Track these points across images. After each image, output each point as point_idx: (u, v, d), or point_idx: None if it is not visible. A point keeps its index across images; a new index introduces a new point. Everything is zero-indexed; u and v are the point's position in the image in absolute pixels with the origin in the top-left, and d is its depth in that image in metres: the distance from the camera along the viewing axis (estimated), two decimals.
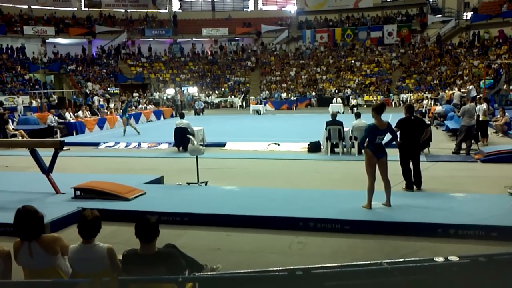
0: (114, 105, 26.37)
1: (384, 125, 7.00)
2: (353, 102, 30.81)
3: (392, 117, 18.19)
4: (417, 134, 8.40)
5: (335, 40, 44.25)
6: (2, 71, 34.94)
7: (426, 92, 33.09)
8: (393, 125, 7.59)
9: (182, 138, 13.80)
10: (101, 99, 31.36)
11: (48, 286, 3.57)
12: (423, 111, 19.58)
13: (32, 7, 43.31)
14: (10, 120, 18.85)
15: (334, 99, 30.70)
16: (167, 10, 49.15)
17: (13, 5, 42.29)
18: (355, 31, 43.92)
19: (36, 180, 8.74)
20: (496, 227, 5.94)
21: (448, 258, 3.00)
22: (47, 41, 42.37)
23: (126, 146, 16.04)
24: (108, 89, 37.55)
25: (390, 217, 6.56)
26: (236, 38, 48.10)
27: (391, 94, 35.64)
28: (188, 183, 9.18)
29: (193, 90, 38.39)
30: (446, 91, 28.16)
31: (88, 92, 35.09)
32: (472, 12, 40.25)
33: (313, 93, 37.83)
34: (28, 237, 3.75)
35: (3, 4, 41.56)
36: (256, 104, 32.41)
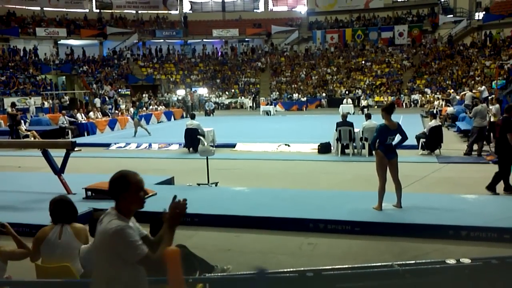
0: (125, 106, 26.51)
1: (394, 125, 6.97)
2: (363, 103, 30.69)
3: (403, 118, 18.15)
4: None
5: (346, 40, 44.12)
6: (15, 73, 35.30)
7: (437, 93, 32.86)
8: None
9: (192, 139, 13.85)
10: (98, 102, 31.26)
11: (60, 286, 3.60)
12: (435, 111, 19.41)
13: (44, 9, 43.76)
14: (22, 121, 19.05)
15: (345, 100, 30.60)
16: (177, 11, 49.34)
17: (26, 7, 42.77)
18: (365, 32, 43.76)
19: (48, 180, 8.81)
20: (508, 229, 5.89)
21: (460, 260, 2.98)
22: (59, 42, 42.76)
23: (137, 147, 16.12)
24: (119, 90, 37.77)
25: (401, 219, 6.53)
26: (246, 39, 48.15)
27: (401, 95, 35.45)
28: (199, 184, 9.21)
29: (203, 91, 38.50)
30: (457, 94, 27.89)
31: (102, 93, 35.34)
32: (484, 12, 39.90)
33: (323, 94, 37.74)
34: (62, 220, 4.03)
35: (17, 7, 42.03)
36: (266, 105, 32.41)
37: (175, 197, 2.60)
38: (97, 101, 31.05)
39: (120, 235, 2.45)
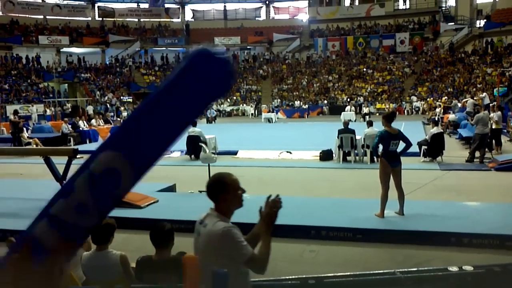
0: (127, 114, 26.57)
1: (395, 130, 6.99)
2: (365, 110, 30.72)
3: (404, 125, 18.13)
4: None
5: (347, 48, 44.23)
6: (18, 80, 35.46)
7: (439, 100, 32.91)
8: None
9: (194, 146, 13.86)
10: (91, 109, 31.24)
11: None
12: (436, 119, 19.39)
13: (47, 17, 44.03)
14: (25, 128, 19.09)
15: (348, 107, 30.65)
16: (179, 20, 49.57)
17: (29, 16, 43.03)
18: (367, 39, 43.88)
19: (50, 188, 8.80)
20: (511, 237, 5.87)
21: (463, 267, 2.97)
22: (61, 50, 42.96)
23: None
24: (122, 97, 37.90)
25: (403, 226, 6.51)
26: (248, 47, 48.32)
27: (403, 102, 35.48)
28: (200, 191, 9.19)
29: None
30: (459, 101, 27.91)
31: (104, 101, 35.47)
32: (485, 20, 39.99)
33: (325, 101, 37.79)
34: None
35: (20, 15, 42.31)
36: (268, 112, 32.44)
37: (269, 196, 2.68)
38: (90, 108, 31.12)
39: (228, 236, 2.51)
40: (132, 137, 1.62)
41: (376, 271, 3.21)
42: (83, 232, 1.74)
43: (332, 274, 3.16)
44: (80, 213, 1.63)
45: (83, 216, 1.64)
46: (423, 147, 12.96)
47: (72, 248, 1.78)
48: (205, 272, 2.61)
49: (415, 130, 17.92)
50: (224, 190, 2.65)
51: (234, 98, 40.74)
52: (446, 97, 32.13)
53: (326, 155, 13.58)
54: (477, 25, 41.48)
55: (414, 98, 35.27)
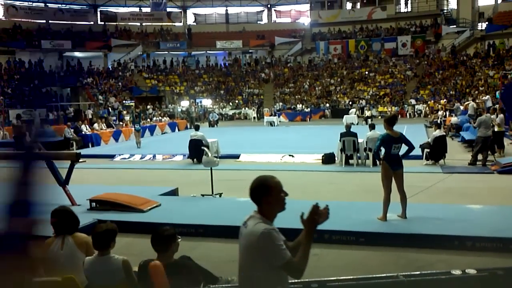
0: (130, 118, 26.60)
1: (396, 133, 6.99)
2: (367, 113, 30.71)
3: (407, 128, 18.13)
4: None
5: (349, 51, 44.25)
6: (21, 85, 35.52)
7: (439, 102, 32.90)
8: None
9: (196, 150, 13.87)
10: (90, 114, 31.30)
11: None
12: (438, 121, 19.40)
13: (49, 21, 44.14)
14: (27, 133, 19.11)
15: (352, 110, 30.63)
16: (181, 23, 49.69)
17: (32, 20, 43.18)
18: (368, 43, 43.91)
19: (52, 192, 8.81)
20: None
21: (466, 271, 2.96)
22: (64, 54, 43.08)
23: (141, 158, 16.16)
24: (124, 101, 37.95)
25: (405, 229, 6.50)
26: (250, 51, 48.38)
27: (405, 105, 35.45)
28: (203, 195, 9.21)
29: (207, 102, 38.67)
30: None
31: (108, 105, 35.52)
32: (487, 23, 39.97)
33: (327, 105, 37.79)
34: (63, 231, 4.02)
35: (22, 20, 42.47)
36: (270, 115, 32.47)
37: (316, 204, 2.73)
38: (89, 112, 31.19)
39: (267, 238, 2.53)
40: None
41: (379, 275, 3.20)
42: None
43: (335, 278, 3.15)
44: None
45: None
46: (426, 150, 12.95)
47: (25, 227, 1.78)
48: (242, 273, 2.63)
49: (417, 133, 17.92)
50: (267, 193, 2.68)
51: (236, 101, 40.78)
52: (445, 100, 32.25)
53: (328, 159, 13.58)
54: (479, 28, 41.47)
55: (412, 101, 35.33)
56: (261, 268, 2.52)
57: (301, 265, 2.53)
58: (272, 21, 50.45)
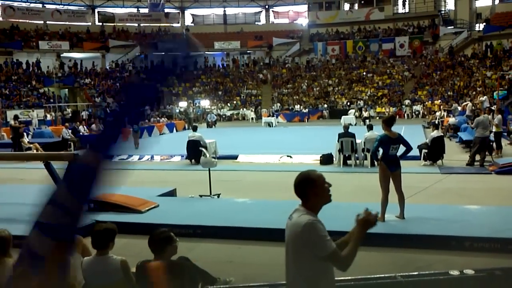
0: None
1: (395, 134, 6.99)
2: (365, 114, 30.75)
3: (404, 129, 18.14)
4: None
5: (347, 52, 44.33)
6: (18, 85, 35.48)
7: (435, 103, 32.97)
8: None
9: (194, 150, 13.86)
10: (85, 115, 31.30)
11: None
12: (436, 122, 19.42)
13: (47, 22, 44.13)
14: (25, 134, 19.08)
15: (351, 111, 30.66)
16: (179, 24, 49.70)
17: (29, 21, 43.15)
18: (366, 43, 43.99)
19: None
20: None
21: (464, 271, 2.97)
22: (61, 55, 43.03)
23: (139, 159, 16.13)
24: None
25: (403, 230, 6.50)
26: (248, 51, 48.39)
27: (403, 106, 35.50)
28: (201, 196, 9.20)
29: (205, 102, 38.66)
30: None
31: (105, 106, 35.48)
32: (484, 23, 40.06)
33: (325, 105, 37.82)
34: None
35: (20, 20, 42.44)
36: (268, 116, 32.48)
37: (367, 209, 2.85)
38: (84, 113, 31.14)
39: (311, 228, 2.58)
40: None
41: (377, 275, 3.20)
42: (70, 230, 1.81)
43: None
44: (64, 214, 1.71)
45: (67, 216, 1.72)
46: (424, 151, 12.96)
47: (66, 249, 1.83)
48: (289, 264, 2.64)
49: (415, 134, 17.93)
50: (312, 185, 2.74)
51: (234, 102, 40.78)
52: (440, 100, 32.36)
53: (326, 159, 13.58)
54: (477, 29, 41.60)
55: (407, 101, 35.40)
56: (306, 259, 2.55)
57: (348, 259, 2.61)
58: (270, 22, 50.50)
